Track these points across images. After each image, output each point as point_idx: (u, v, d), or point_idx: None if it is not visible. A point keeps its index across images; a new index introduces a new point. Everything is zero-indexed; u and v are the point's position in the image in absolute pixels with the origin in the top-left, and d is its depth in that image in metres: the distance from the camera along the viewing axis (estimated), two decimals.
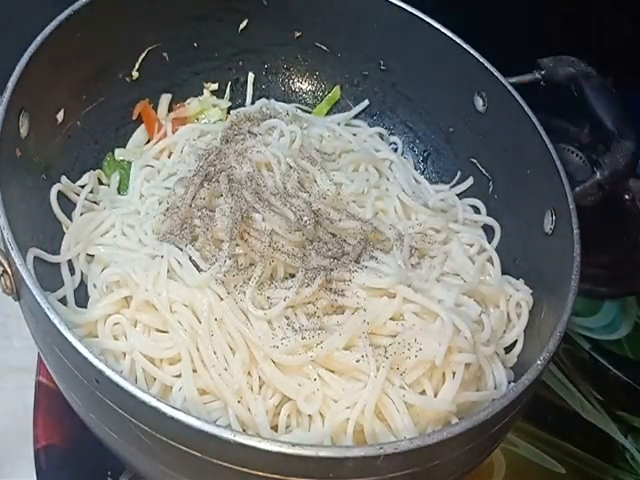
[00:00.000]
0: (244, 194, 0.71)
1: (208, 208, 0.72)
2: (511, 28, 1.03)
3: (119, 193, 0.81)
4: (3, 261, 0.57)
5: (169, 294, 0.66)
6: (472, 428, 0.52)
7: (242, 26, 0.89)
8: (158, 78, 0.87)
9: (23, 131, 0.67)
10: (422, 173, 0.92)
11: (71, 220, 0.74)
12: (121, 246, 0.73)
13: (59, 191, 0.74)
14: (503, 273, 0.79)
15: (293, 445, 0.48)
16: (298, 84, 0.96)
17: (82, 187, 0.78)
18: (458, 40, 0.82)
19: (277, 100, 0.92)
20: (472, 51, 0.81)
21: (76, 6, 0.72)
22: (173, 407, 0.49)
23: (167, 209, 0.74)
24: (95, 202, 0.78)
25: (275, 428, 0.63)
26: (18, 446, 0.74)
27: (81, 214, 0.75)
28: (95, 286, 0.70)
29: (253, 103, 0.92)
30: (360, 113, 0.95)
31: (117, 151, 0.83)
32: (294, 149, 0.81)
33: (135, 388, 0.49)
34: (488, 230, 0.83)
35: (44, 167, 0.72)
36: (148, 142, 0.86)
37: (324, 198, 0.76)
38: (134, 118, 0.86)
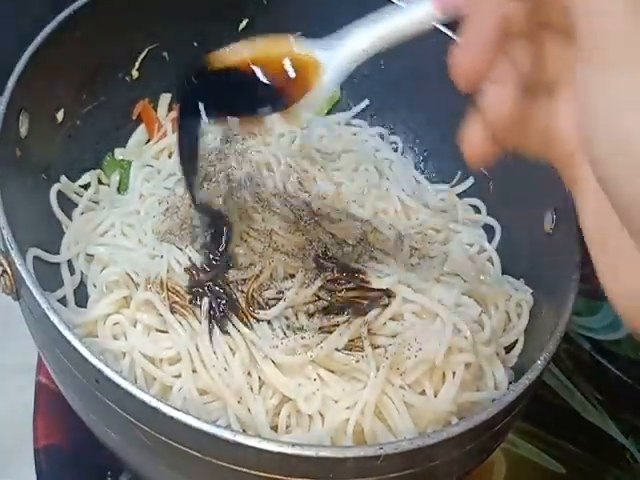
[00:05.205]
0: (244, 194, 0.71)
1: None
2: None
3: (119, 193, 0.81)
4: (3, 261, 0.57)
5: (169, 294, 0.66)
6: (472, 428, 0.52)
7: (242, 26, 0.89)
8: (158, 78, 0.87)
9: (23, 131, 0.67)
10: (422, 173, 0.92)
11: (71, 220, 0.74)
12: (121, 246, 0.73)
13: (59, 191, 0.74)
14: (503, 273, 0.79)
15: (293, 445, 0.48)
16: None
17: (82, 187, 0.78)
18: (458, 40, 0.82)
19: None
20: None
21: (76, 6, 0.72)
22: (173, 407, 0.49)
23: (167, 209, 0.74)
24: (95, 202, 0.78)
25: (275, 428, 0.63)
26: (18, 446, 0.74)
27: (81, 214, 0.75)
28: (95, 286, 0.70)
29: None
30: (360, 113, 0.95)
31: (117, 151, 0.83)
32: (294, 149, 0.81)
33: (135, 388, 0.49)
34: (488, 230, 0.83)
35: (44, 167, 0.72)
36: (148, 142, 0.86)
37: (324, 198, 0.76)
38: (134, 118, 0.86)
